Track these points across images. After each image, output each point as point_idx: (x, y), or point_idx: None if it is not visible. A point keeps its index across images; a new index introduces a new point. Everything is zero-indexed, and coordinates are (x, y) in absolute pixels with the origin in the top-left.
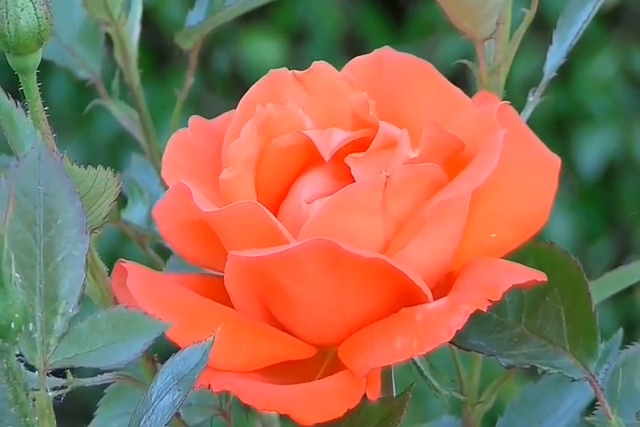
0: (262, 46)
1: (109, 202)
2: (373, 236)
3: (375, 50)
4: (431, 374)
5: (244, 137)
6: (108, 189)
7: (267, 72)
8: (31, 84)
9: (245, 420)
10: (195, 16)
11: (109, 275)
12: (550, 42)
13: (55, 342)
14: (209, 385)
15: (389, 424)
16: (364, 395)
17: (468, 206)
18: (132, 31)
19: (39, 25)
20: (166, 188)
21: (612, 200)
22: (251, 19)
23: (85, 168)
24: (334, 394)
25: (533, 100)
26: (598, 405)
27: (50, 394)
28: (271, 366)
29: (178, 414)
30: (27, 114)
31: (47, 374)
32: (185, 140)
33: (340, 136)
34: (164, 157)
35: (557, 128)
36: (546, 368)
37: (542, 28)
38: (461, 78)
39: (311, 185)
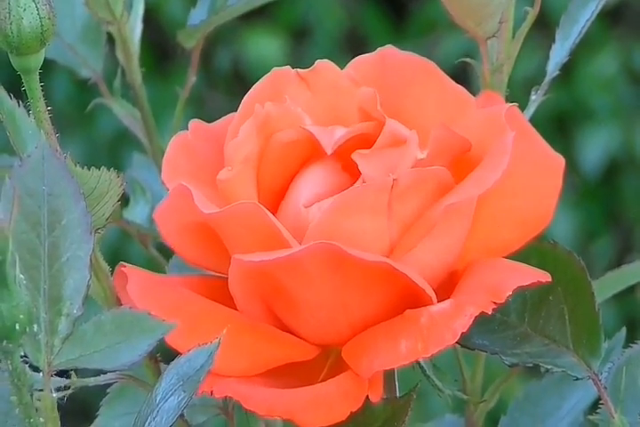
0: (264, 44)
1: (112, 202)
2: (379, 237)
3: (378, 48)
4: (434, 374)
5: (241, 136)
6: (112, 190)
7: (269, 70)
8: (34, 85)
9: (247, 420)
10: (197, 15)
11: (112, 275)
12: (553, 40)
13: (59, 343)
14: (211, 391)
15: (394, 424)
16: (367, 396)
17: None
18: (134, 30)
19: (42, 25)
20: (167, 189)
21: (614, 198)
22: (253, 17)
23: (88, 168)
24: (337, 398)
25: (536, 98)
26: (601, 403)
27: (54, 395)
28: (273, 368)
29: (181, 414)
30: (29, 114)
31: (51, 375)
32: (185, 143)
33: (342, 131)
34: (164, 160)
35: (559, 126)
36: (549, 367)
37: (544, 27)
38: (463, 77)
39: (311, 182)
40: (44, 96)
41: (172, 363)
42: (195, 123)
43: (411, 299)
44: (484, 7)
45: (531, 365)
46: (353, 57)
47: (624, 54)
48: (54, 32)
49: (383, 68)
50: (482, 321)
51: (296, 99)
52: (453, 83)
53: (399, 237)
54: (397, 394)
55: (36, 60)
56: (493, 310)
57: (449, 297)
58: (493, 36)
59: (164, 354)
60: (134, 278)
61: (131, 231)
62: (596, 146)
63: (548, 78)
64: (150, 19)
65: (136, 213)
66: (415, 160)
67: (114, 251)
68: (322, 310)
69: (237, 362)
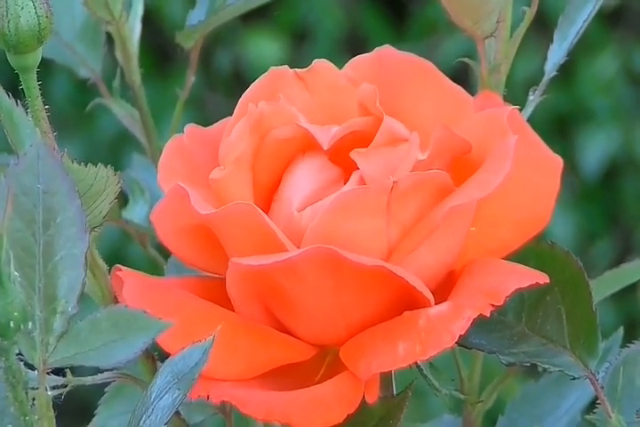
0: (264, 45)
1: (109, 200)
2: (377, 239)
3: (376, 48)
4: (431, 373)
5: (234, 136)
6: (109, 188)
7: (261, 75)
8: (31, 83)
9: (244, 419)
10: (196, 15)
11: (109, 273)
12: (550, 41)
13: (54, 342)
14: (208, 396)
15: (390, 423)
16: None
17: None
18: (133, 30)
19: (39, 24)
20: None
21: (614, 199)
22: (252, 18)
23: (85, 165)
24: (333, 400)
25: (534, 99)
26: (599, 403)
27: (50, 393)
28: (270, 370)
29: (178, 413)
30: (27, 113)
31: (47, 373)
32: (181, 147)
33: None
34: (159, 163)
35: (559, 127)
36: (546, 366)
37: (542, 28)
38: (463, 77)
39: (303, 179)
40: (42, 96)
41: (167, 361)
42: (190, 127)
43: (408, 300)
44: (481, 5)
45: (528, 364)
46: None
47: (624, 56)
48: (52, 31)
49: (381, 67)
50: (479, 321)
51: (293, 98)
52: (451, 82)
53: (398, 239)
54: (394, 393)
55: (34, 58)
56: (491, 312)
57: (447, 297)
58: (491, 35)
59: (161, 353)
60: (130, 282)
61: (129, 231)
62: (596, 147)
63: (545, 79)
64: (150, 20)
65: (135, 213)
66: (416, 161)
67: (113, 251)
68: (319, 311)
69: (233, 365)
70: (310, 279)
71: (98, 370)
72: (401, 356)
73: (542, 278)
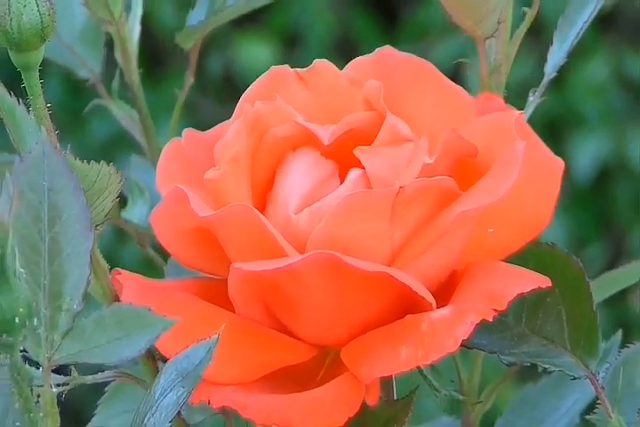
0: (255, 50)
1: (112, 198)
2: (381, 244)
3: (377, 49)
4: (431, 374)
5: (229, 136)
6: (111, 185)
7: (260, 76)
8: (33, 81)
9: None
10: (196, 15)
11: (110, 272)
12: (550, 43)
13: (59, 339)
14: (208, 401)
15: (394, 426)
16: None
17: None
18: (133, 30)
19: (42, 21)
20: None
21: (606, 204)
22: (244, 22)
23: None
24: (334, 404)
25: (534, 100)
26: (599, 404)
27: (54, 390)
28: (270, 372)
29: (178, 413)
30: (29, 111)
31: (51, 371)
32: (179, 151)
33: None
34: (157, 167)
35: (551, 132)
36: (546, 366)
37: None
38: (456, 81)
39: (298, 178)
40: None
41: (171, 359)
42: (188, 131)
43: (410, 303)
44: (483, 5)
45: (528, 364)
46: (345, 63)
47: (616, 61)
48: (54, 29)
49: (381, 68)
50: (480, 321)
51: (293, 98)
52: (452, 83)
53: (402, 242)
54: (395, 396)
55: (36, 56)
56: (494, 317)
57: (448, 297)
58: (492, 36)
59: None
60: (129, 285)
61: (129, 231)
62: (588, 152)
63: (545, 80)
64: (142, 24)
65: (134, 214)
66: (423, 164)
67: (108, 251)
68: (321, 313)
69: (233, 368)
70: (312, 283)
71: (98, 369)
72: (403, 360)
73: (544, 282)
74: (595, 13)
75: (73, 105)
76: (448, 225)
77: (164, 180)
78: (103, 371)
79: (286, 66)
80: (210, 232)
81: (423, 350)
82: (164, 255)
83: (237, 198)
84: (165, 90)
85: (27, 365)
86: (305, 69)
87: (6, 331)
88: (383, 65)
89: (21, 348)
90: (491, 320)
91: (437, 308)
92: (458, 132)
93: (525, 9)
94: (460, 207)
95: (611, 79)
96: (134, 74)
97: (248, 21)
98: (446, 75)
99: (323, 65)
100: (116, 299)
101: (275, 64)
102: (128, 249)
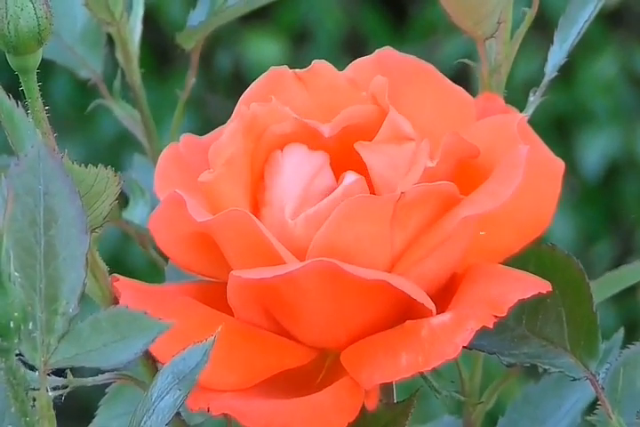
0: (264, 47)
1: (110, 201)
2: (381, 248)
3: (377, 50)
4: (432, 375)
5: (225, 138)
6: (109, 189)
7: (260, 76)
8: (31, 84)
9: None
10: (196, 16)
11: (110, 274)
12: (550, 42)
13: (55, 342)
14: (208, 408)
15: None
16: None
17: None
18: (134, 31)
19: (39, 25)
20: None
21: (614, 201)
22: (252, 19)
23: (85, 166)
24: (333, 408)
25: (535, 99)
26: (599, 404)
27: (50, 394)
28: (269, 376)
29: (178, 414)
30: (27, 114)
31: (48, 374)
32: (177, 155)
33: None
34: (155, 172)
35: (559, 129)
36: (547, 367)
37: (542, 29)
38: (463, 79)
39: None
40: (42, 97)
41: (168, 362)
42: (186, 136)
43: (410, 308)
44: (482, 6)
45: (528, 365)
46: (353, 59)
47: (624, 57)
48: (52, 32)
49: (381, 69)
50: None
51: (292, 99)
52: (452, 84)
53: (402, 247)
54: (395, 398)
55: (34, 59)
56: (494, 323)
57: (448, 300)
58: (492, 36)
59: None
60: (127, 291)
61: (130, 232)
62: (596, 149)
63: (546, 79)
64: (150, 20)
65: (135, 214)
66: (425, 167)
67: (114, 252)
68: (320, 317)
69: (232, 374)
70: (311, 290)
71: (98, 371)
72: (404, 367)
73: (545, 287)
74: (596, 12)
75: (82, 102)
76: (451, 230)
77: (162, 184)
78: (104, 373)
79: (285, 66)
80: (208, 236)
81: (423, 357)
82: (166, 256)
83: (233, 201)
84: (173, 88)
85: (24, 368)
86: (304, 70)
87: (1, 335)
88: (383, 66)
89: (17, 352)
90: (491, 327)
91: (437, 312)
92: (459, 134)
93: (525, 9)
94: (464, 212)
95: (619, 76)
96: (135, 74)
97: (257, 18)
98: (454, 72)
99: (321, 66)
100: (116, 301)
101: (284, 60)
102: (135, 250)
